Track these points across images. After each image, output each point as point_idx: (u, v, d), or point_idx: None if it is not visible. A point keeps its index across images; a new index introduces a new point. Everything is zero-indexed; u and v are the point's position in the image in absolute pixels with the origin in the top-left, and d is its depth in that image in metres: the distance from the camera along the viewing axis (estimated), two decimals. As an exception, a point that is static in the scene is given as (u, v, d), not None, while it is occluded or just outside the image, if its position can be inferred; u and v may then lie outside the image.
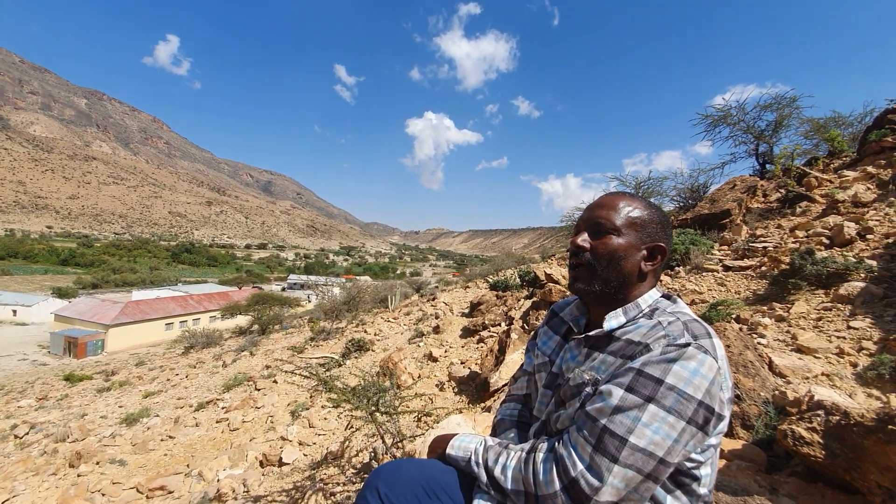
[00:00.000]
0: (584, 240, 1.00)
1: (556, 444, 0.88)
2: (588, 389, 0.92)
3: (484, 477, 0.95)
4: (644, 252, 0.98)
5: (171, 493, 4.13)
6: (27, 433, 7.68)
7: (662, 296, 1.01)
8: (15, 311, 37.45)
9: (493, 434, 1.23)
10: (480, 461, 0.98)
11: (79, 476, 5.03)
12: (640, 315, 0.95)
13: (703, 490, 0.86)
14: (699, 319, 0.89)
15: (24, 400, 11.73)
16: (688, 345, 0.81)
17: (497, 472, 0.93)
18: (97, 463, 5.30)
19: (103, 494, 4.39)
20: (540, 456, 0.88)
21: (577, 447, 0.83)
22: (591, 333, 0.99)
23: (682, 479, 0.85)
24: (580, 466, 0.80)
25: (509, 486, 0.90)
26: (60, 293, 45.65)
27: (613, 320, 0.96)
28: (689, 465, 0.84)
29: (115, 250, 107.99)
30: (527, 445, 0.95)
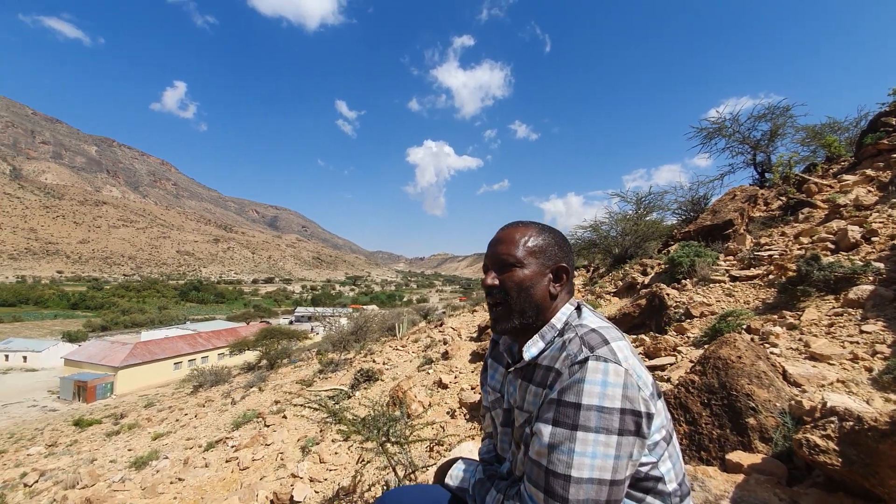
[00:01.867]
0: (493, 278, 1.02)
1: (515, 496, 0.90)
2: (527, 429, 0.93)
3: None
4: (550, 275, 1.01)
5: (181, 537, 4.02)
6: (36, 481, 7.57)
7: (576, 308, 1.02)
8: (25, 358, 37.55)
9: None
10: (472, 494, 1.02)
11: (88, 524, 4.92)
12: (556, 335, 0.97)
13: (671, 486, 0.86)
14: (598, 327, 0.91)
15: (34, 447, 11.62)
16: (586, 359, 0.82)
17: None
18: (106, 509, 5.20)
19: (113, 542, 4.29)
20: None
21: (532, 497, 0.83)
22: (518, 365, 1.01)
23: (645, 484, 0.85)
24: None
25: None
26: (70, 337, 45.86)
27: (533, 348, 0.97)
28: (644, 469, 0.84)
29: (124, 292, 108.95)
30: (503, 487, 0.98)
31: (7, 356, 37.54)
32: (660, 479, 0.85)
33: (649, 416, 0.82)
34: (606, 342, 0.85)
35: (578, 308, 1.02)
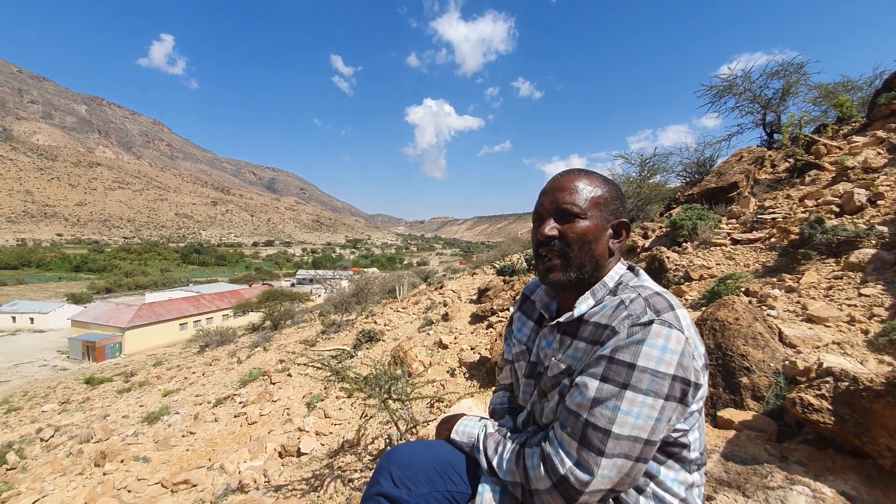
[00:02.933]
0: (551, 228, 0.96)
1: (543, 442, 0.89)
2: (565, 381, 0.92)
3: (484, 464, 0.98)
4: (610, 231, 0.97)
5: (194, 486, 4.24)
6: (52, 436, 7.90)
7: (628, 269, 1.00)
8: (32, 319, 38.27)
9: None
10: (481, 448, 1.01)
11: (104, 474, 5.18)
12: (607, 294, 0.95)
13: (693, 454, 0.88)
14: (661, 291, 0.89)
15: (48, 404, 12.05)
16: (651, 322, 0.81)
17: (495, 462, 0.96)
18: (122, 461, 5.45)
19: (129, 491, 4.52)
20: (528, 451, 0.90)
21: (563, 444, 0.83)
22: (562, 320, 0.98)
23: (671, 449, 0.87)
24: (568, 463, 0.81)
25: (505, 477, 0.93)
26: (75, 299, 46.54)
27: (583, 304, 0.95)
28: (675, 435, 0.85)
29: (125, 254, 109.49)
30: (521, 437, 0.98)
31: (14, 318, 38.24)
32: (686, 447, 0.87)
33: (697, 387, 0.82)
34: (672, 308, 0.85)
35: (632, 269, 1.00)
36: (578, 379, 0.86)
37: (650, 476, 0.87)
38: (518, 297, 1.24)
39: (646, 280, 0.96)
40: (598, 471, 0.79)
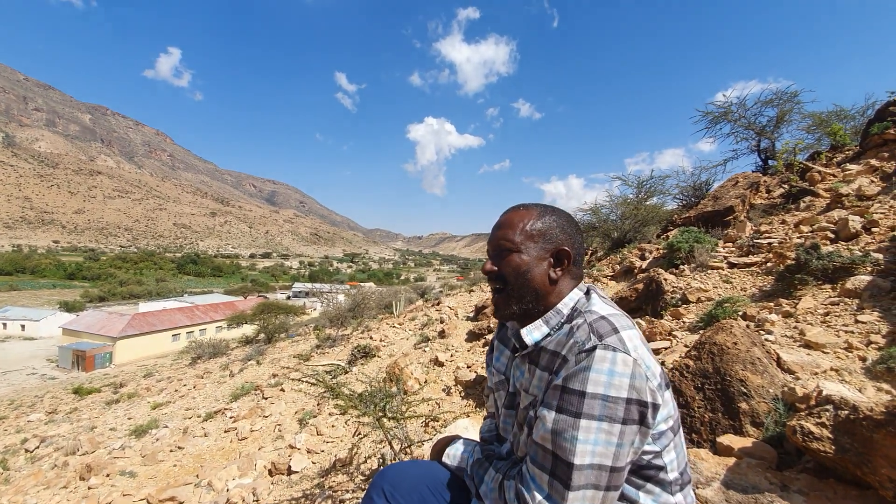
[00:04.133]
0: (491, 264, 1.02)
1: (516, 476, 0.90)
2: (531, 412, 0.93)
3: (473, 489, 1.01)
4: (550, 259, 0.99)
5: (181, 503, 4.13)
6: (37, 447, 7.72)
7: (585, 293, 1.00)
8: (23, 326, 37.77)
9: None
10: (469, 473, 1.03)
11: (89, 489, 5.04)
12: (563, 321, 0.95)
13: (672, 475, 0.87)
14: (607, 315, 0.89)
15: (34, 414, 11.80)
16: (594, 348, 0.81)
17: (482, 489, 0.98)
18: (107, 475, 5.32)
19: (114, 507, 4.40)
20: (507, 484, 0.91)
21: (534, 478, 0.84)
22: (524, 351, 1.00)
23: (647, 472, 0.86)
24: (538, 498, 0.81)
25: None
26: (68, 307, 46.03)
27: (535, 332, 0.97)
28: (647, 457, 0.85)
29: (121, 263, 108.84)
30: (504, 467, 0.99)
31: (5, 324, 37.74)
32: (662, 469, 0.86)
33: (655, 407, 0.81)
34: (616, 331, 0.84)
35: (588, 293, 1.00)
36: (538, 411, 0.87)
37: (630, 502, 0.86)
38: (497, 325, 1.25)
39: (595, 304, 0.95)
40: None
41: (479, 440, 1.25)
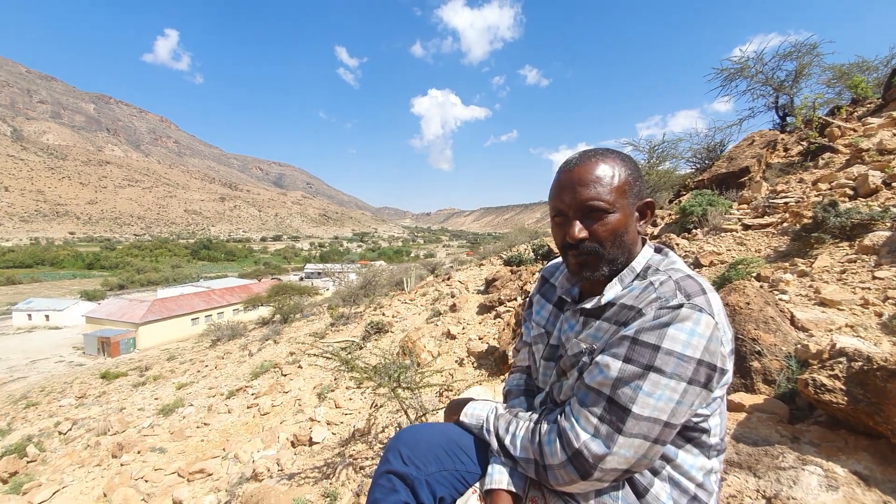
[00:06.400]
0: (580, 229, 0.90)
1: (560, 416, 0.88)
2: (585, 359, 0.92)
3: (495, 444, 0.97)
4: (636, 214, 0.94)
5: (210, 475, 4.34)
6: (70, 429, 8.10)
7: (656, 251, 0.97)
8: (48, 316, 39.04)
9: (504, 402, 1.24)
10: (491, 429, 1.00)
11: (122, 465, 5.31)
12: (635, 278, 0.92)
13: (713, 440, 0.87)
14: (692, 274, 0.87)
15: (65, 399, 12.34)
16: (681, 306, 0.80)
17: (507, 441, 0.95)
18: (138, 452, 5.58)
19: (146, 481, 4.63)
20: (545, 427, 0.89)
21: (579, 419, 0.83)
22: (587, 306, 0.96)
23: (691, 434, 0.86)
24: (584, 437, 0.81)
25: (518, 454, 0.92)
26: (89, 296, 47.36)
27: (610, 291, 0.92)
28: (696, 420, 0.84)
29: (136, 251, 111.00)
30: (534, 415, 0.97)
31: (30, 315, 39.05)
32: (706, 432, 0.86)
33: (722, 372, 0.81)
34: (704, 292, 0.83)
35: (659, 250, 0.97)
36: (599, 358, 0.85)
37: (667, 459, 0.86)
38: (537, 279, 1.22)
39: (676, 261, 0.93)
40: (614, 447, 0.78)
41: (503, 394, 1.25)
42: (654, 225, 6.36)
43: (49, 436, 7.95)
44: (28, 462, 6.52)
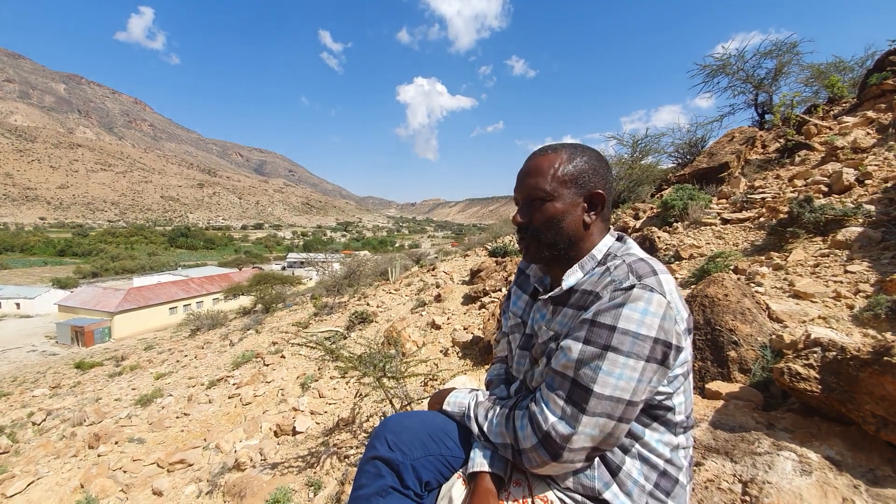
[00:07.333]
0: (519, 216, 1.00)
1: (530, 402, 0.92)
2: (552, 345, 0.95)
3: (475, 430, 1.02)
4: (584, 204, 0.97)
5: (190, 465, 4.28)
6: (44, 420, 7.88)
7: (617, 239, 1.01)
8: (18, 304, 37.70)
9: (486, 391, 1.28)
10: (472, 415, 1.04)
11: (99, 456, 5.19)
12: (596, 265, 0.96)
13: (679, 417, 0.90)
14: (645, 258, 0.91)
15: (38, 389, 11.98)
16: (632, 287, 0.83)
17: (485, 427, 0.99)
18: (116, 443, 5.47)
19: (125, 471, 4.54)
20: (518, 413, 0.93)
21: (548, 402, 0.86)
22: (553, 293, 1.00)
23: (655, 412, 0.89)
24: (552, 419, 0.84)
25: (496, 440, 0.96)
26: (61, 284, 45.82)
27: (571, 277, 0.97)
28: (659, 398, 0.87)
29: (111, 238, 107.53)
30: (510, 402, 1.00)
31: (0, 303, 37.63)
32: (670, 409, 0.89)
33: (678, 350, 0.84)
34: (655, 273, 0.86)
35: (620, 238, 1.00)
36: (563, 342, 0.89)
37: (635, 437, 0.89)
38: (515, 272, 1.26)
39: (632, 247, 0.97)
40: (579, 427, 0.81)
41: (485, 384, 1.28)
42: (637, 218, 6.47)
43: (22, 426, 7.71)
44: (0, 453, 6.32)
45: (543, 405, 0.87)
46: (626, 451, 0.89)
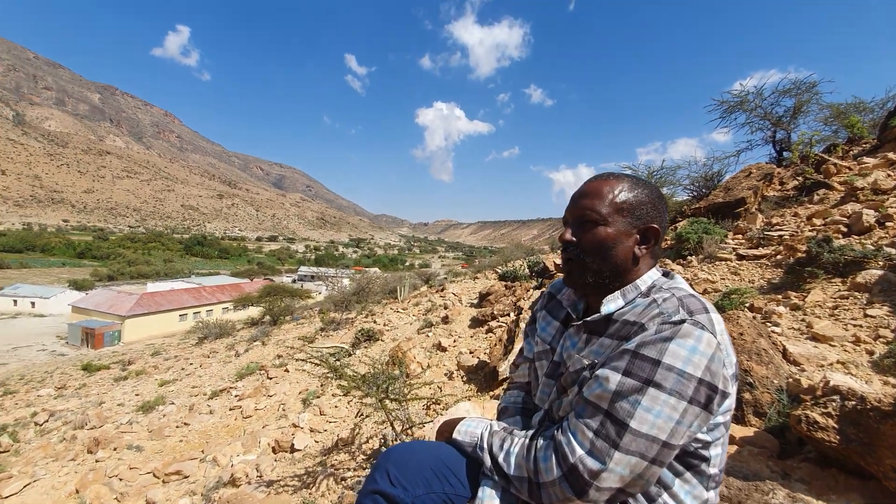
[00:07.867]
0: (570, 234, 0.97)
1: (556, 431, 0.86)
2: (585, 374, 0.90)
3: (488, 462, 0.95)
4: (636, 236, 0.94)
5: (186, 477, 4.23)
6: (46, 420, 7.91)
7: (663, 274, 0.98)
8: (33, 303, 38.44)
9: (498, 419, 1.21)
10: (485, 446, 0.97)
11: (97, 461, 5.18)
12: (639, 295, 0.92)
13: (713, 470, 0.85)
14: (696, 294, 0.87)
15: (44, 389, 12.08)
16: (683, 321, 0.79)
17: (501, 458, 0.92)
18: (115, 449, 5.45)
19: (121, 479, 4.51)
20: (540, 443, 0.87)
21: (576, 433, 0.81)
22: (589, 319, 0.96)
23: (690, 460, 0.83)
24: (579, 452, 0.79)
25: (512, 473, 0.89)
26: (77, 285, 46.73)
27: (611, 304, 0.93)
28: (696, 445, 0.82)
29: (129, 243, 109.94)
30: (530, 432, 0.95)
31: (15, 301, 38.44)
32: (706, 460, 0.84)
33: (724, 395, 0.79)
34: (706, 311, 0.82)
35: (666, 273, 0.98)
36: (599, 371, 0.84)
37: (664, 486, 0.83)
38: (543, 295, 1.22)
39: (681, 283, 0.93)
40: (610, 464, 0.76)
41: (498, 411, 1.23)
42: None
43: (25, 426, 7.75)
44: (0, 452, 6.34)
45: (571, 436, 0.81)
46: (651, 500, 0.84)
